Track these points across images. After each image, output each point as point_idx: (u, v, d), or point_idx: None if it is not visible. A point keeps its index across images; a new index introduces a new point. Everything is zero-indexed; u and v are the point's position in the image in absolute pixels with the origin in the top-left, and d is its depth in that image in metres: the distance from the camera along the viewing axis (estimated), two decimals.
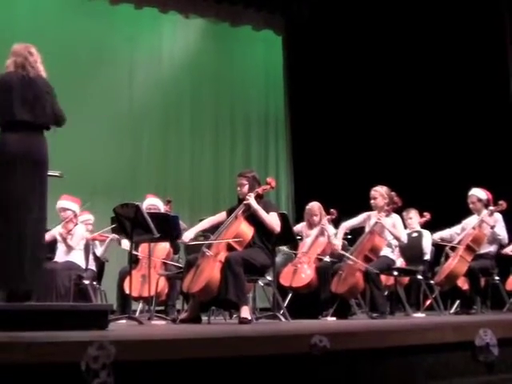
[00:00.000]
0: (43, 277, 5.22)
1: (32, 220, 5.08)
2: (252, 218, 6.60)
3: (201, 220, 7.30)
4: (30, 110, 5.15)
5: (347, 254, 7.62)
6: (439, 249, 8.66)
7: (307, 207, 8.54)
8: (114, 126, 11.90)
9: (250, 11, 13.41)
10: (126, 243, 8.06)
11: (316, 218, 8.41)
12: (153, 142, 12.52)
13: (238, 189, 6.81)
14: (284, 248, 8.65)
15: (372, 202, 7.80)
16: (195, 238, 7.02)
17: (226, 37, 13.43)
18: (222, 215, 6.93)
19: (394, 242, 7.75)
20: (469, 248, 8.12)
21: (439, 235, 8.72)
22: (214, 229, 6.88)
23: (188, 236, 6.86)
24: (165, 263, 8.16)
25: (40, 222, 5.20)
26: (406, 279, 8.91)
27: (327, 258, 8.28)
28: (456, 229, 8.60)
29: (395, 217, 7.80)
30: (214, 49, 13.31)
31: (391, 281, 8.46)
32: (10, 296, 5.01)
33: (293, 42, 13.59)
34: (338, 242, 7.80)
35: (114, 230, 7.38)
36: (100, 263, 8.89)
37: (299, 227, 8.61)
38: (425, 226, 9.17)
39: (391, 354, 4.19)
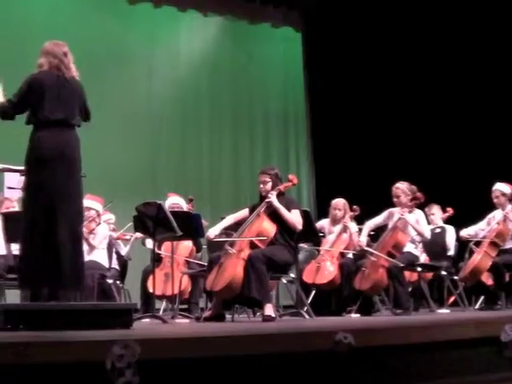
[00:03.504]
0: (81, 275, 5.23)
1: (67, 219, 5.11)
2: (274, 215, 6.57)
3: (222, 218, 7.30)
4: (63, 109, 5.19)
5: (371, 250, 7.60)
6: (463, 244, 8.61)
7: (332, 202, 8.52)
8: (134, 124, 11.93)
9: (268, 8, 13.42)
10: (150, 242, 8.09)
11: (339, 213, 8.38)
12: (172, 140, 12.53)
13: (261, 186, 6.78)
14: (305, 246, 8.63)
15: (395, 200, 7.76)
16: (219, 235, 7.03)
17: (244, 34, 13.43)
18: (244, 212, 6.91)
19: (418, 238, 7.72)
20: (493, 243, 8.06)
21: (467, 232, 8.62)
22: (236, 226, 6.88)
23: (213, 232, 6.86)
24: (188, 261, 8.18)
25: (77, 221, 5.25)
26: (429, 275, 8.86)
27: (350, 255, 8.27)
28: (481, 224, 8.51)
29: (418, 213, 7.77)
30: (232, 47, 13.32)
31: (415, 277, 8.41)
32: (35, 296, 5.04)
33: (312, 38, 13.56)
34: (364, 240, 7.77)
35: (136, 229, 7.39)
36: (123, 262, 8.91)
37: (322, 223, 8.59)
38: (448, 221, 9.12)
39: (416, 350, 4.18)
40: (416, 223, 7.64)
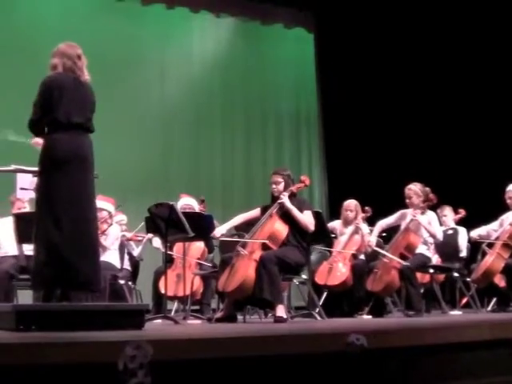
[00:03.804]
0: (98, 274, 5.23)
1: (83, 220, 5.11)
2: (286, 216, 6.57)
3: None
4: (80, 112, 5.16)
5: (383, 251, 7.59)
6: (476, 246, 8.59)
7: (344, 203, 8.51)
8: (146, 125, 11.95)
9: (280, 9, 13.42)
10: (157, 242, 8.09)
11: (351, 214, 8.37)
12: (184, 140, 12.54)
13: (274, 186, 6.78)
14: (317, 247, 8.61)
15: (407, 201, 7.75)
16: (229, 235, 7.02)
17: (257, 35, 13.44)
18: (255, 212, 6.91)
19: (430, 240, 7.71)
20: (505, 245, 8.03)
21: (477, 233, 8.60)
22: (247, 227, 6.87)
23: (219, 231, 6.86)
24: (199, 263, 8.18)
25: (92, 221, 5.25)
26: (441, 277, 8.84)
27: (362, 256, 8.25)
28: (493, 225, 8.49)
29: (431, 214, 7.76)
30: (245, 47, 13.32)
31: (427, 278, 8.40)
32: (47, 296, 5.04)
33: (324, 39, 13.53)
34: (373, 239, 7.76)
35: (148, 230, 7.40)
36: (134, 263, 8.92)
37: (334, 224, 8.58)
38: (460, 222, 9.10)
39: (428, 351, 4.16)
40: (428, 224, 7.63)
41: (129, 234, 8.83)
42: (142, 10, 12.16)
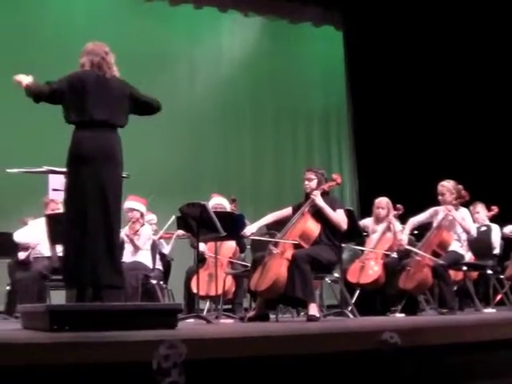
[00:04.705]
0: (121, 274, 5.20)
1: (106, 218, 5.10)
2: (318, 214, 6.54)
3: None
4: (104, 109, 5.11)
5: (415, 249, 7.54)
6: (509, 243, 8.52)
7: (376, 200, 8.47)
8: (175, 125, 11.96)
9: (308, 7, 13.40)
10: (201, 245, 8.10)
11: (382, 212, 8.33)
12: (214, 140, 12.55)
13: (306, 183, 6.75)
14: (349, 245, 8.58)
15: (440, 198, 7.70)
16: (259, 234, 7.02)
17: (285, 34, 13.42)
18: (287, 210, 6.87)
19: (463, 237, 7.65)
20: None
21: (510, 229, 8.54)
22: (279, 225, 6.85)
23: (250, 230, 6.83)
24: (231, 262, 8.18)
25: (115, 221, 5.20)
26: (475, 274, 8.77)
27: (394, 254, 8.20)
28: None
29: (463, 210, 7.70)
30: (273, 46, 13.30)
31: (460, 276, 8.34)
32: (81, 295, 5.05)
33: (353, 36, 13.48)
34: (405, 237, 7.71)
35: (179, 226, 7.40)
36: (166, 263, 8.94)
37: (366, 222, 8.54)
38: (493, 219, 9.02)
39: (462, 349, 4.13)
40: (462, 220, 7.58)
41: (158, 235, 8.83)
42: (170, 10, 12.21)
